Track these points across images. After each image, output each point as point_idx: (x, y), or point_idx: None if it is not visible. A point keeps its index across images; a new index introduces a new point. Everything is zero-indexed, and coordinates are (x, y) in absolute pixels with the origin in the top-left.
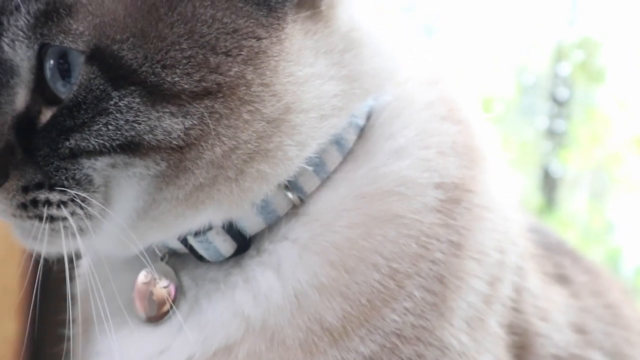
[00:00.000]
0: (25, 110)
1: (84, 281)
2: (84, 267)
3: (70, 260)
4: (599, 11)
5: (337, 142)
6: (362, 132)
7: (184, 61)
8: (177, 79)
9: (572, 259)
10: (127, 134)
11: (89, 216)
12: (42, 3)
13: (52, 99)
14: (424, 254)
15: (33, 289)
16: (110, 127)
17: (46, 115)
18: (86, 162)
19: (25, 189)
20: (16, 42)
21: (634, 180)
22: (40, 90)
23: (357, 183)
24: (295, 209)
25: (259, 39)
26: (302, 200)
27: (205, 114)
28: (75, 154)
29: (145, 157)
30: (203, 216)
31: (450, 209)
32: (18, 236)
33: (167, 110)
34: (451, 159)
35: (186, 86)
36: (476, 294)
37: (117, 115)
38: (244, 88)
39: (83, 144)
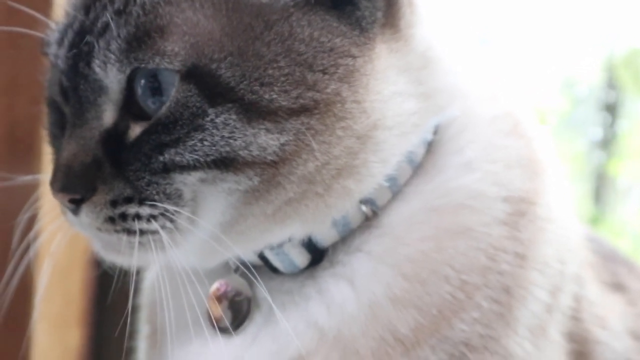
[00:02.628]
0: (113, 126)
1: (150, 293)
2: (149, 279)
3: (137, 272)
4: None
5: (409, 156)
6: (430, 147)
7: (282, 79)
8: (274, 96)
9: (627, 267)
10: (222, 149)
11: (178, 229)
12: (132, 26)
13: (139, 115)
14: (492, 265)
15: (96, 299)
16: (205, 142)
17: (135, 130)
18: (178, 177)
19: (114, 203)
20: (108, 65)
21: None
22: (128, 107)
23: (428, 196)
24: (368, 221)
25: (353, 57)
26: (375, 213)
27: (302, 130)
28: (168, 169)
29: (238, 172)
30: (287, 231)
31: (516, 221)
32: (99, 250)
33: (263, 126)
34: (517, 172)
35: (284, 103)
36: (539, 303)
37: (213, 131)
38: (339, 105)
39: (177, 158)
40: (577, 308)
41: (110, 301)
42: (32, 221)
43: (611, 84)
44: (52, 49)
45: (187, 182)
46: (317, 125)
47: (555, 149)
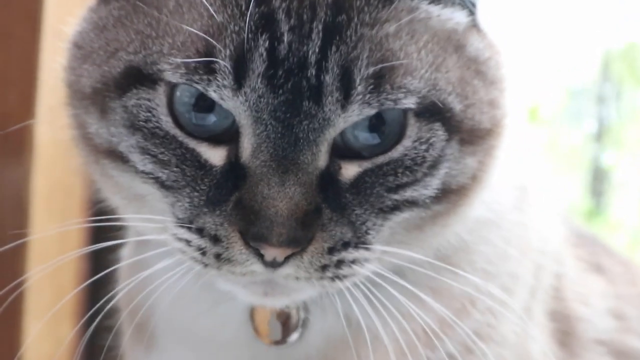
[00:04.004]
0: (326, 168)
1: (134, 295)
2: (132, 281)
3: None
4: None
5: None
6: None
7: (482, 100)
8: (481, 118)
9: (604, 250)
10: (447, 180)
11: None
12: (371, 63)
13: (345, 153)
14: (507, 252)
15: (88, 294)
16: (439, 177)
17: (349, 170)
18: (396, 217)
19: (331, 250)
20: (346, 104)
21: None
22: (335, 146)
23: None
24: None
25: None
26: None
27: (488, 150)
28: (396, 208)
29: (442, 200)
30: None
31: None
32: (252, 295)
33: (469, 150)
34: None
35: (486, 125)
36: (526, 286)
37: (446, 164)
38: (506, 123)
39: (414, 195)
40: (558, 286)
41: (103, 296)
42: (23, 215)
43: (607, 77)
44: (224, 82)
45: (399, 220)
46: (496, 143)
47: (550, 142)
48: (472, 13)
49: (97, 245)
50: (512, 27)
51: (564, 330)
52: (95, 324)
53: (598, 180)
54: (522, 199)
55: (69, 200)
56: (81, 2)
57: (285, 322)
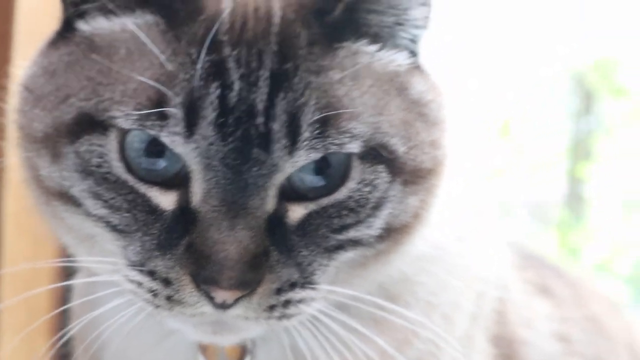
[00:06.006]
0: (274, 211)
1: (92, 327)
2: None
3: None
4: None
5: None
6: None
7: (424, 140)
8: (423, 158)
9: (554, 273)
10: (390, 220)
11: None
12: (317, 109)
13: (292, 196)
14: (448, 282)
15: (63, 309)
16: (382, 217)
17: (296, 212)
18: (341, 256)
19: (279, 291)
20: (293, 151)
21: None
22: (282, 189)
23: None
24: None
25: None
26: None
27: (429, 189)
28: (340, 248)
29: (385, 240)
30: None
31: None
32: (202, 333)
33: (411, 190)
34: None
35: (427, 165)
36: (466, 314)
37: (389, 204)
38: (446, 162)
39: (357, 235)
40: (502, 311)
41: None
42: None
43: (581, 89)
44: (175, 128)
45: (344, 259)
46: (437, 182)
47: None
48: (414, 55)
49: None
50: (481, 41)
51: (507, 354)
52: (61, 345)
53: (574, 191)
54: (464, 230)
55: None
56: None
57: (234, 356)
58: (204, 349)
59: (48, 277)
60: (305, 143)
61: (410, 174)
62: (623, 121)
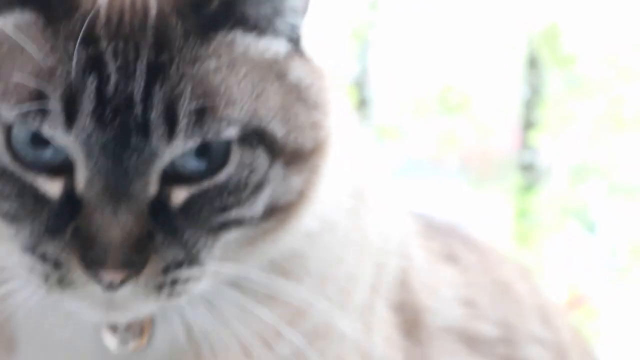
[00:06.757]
0: (157, 195)
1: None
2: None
3: None
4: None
5: None
6: None
7: (305, 123)
8: (303, 140)
9: (461, 240)
10: (273, 200)
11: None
12: (194, 97)
13: (175, 179)
14: (343, 256)
15: None
16: (264, 198)
17: (179, 195)
18: (225, 235)
19: (165, 270)
20: (171, 139)
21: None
22: (165, 174)
23: None
24: None
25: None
26: None
27: (313, 169)
28: (223, 228)
29: (270, 218)
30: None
31: (357, 211)
32: (95, 312)
33: (294, 170)
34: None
35: (308, 145)
36: (365, 285)
37: (270, 185)
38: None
39: (239, 216)
40: (404, 280)
41: None
42: None
43: (528, 57)
44: (55, 121)
45: (230, 238)
46: (321, 162)
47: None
48: (293, 41)
49: None
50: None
51: (411, 321)
52: None
53: (527, 160)
54: (358, 203)
55: None
56: None
57: (134, 331)
58: (109, 327)
59: None
60: (182, 131)
61: (291, 156)
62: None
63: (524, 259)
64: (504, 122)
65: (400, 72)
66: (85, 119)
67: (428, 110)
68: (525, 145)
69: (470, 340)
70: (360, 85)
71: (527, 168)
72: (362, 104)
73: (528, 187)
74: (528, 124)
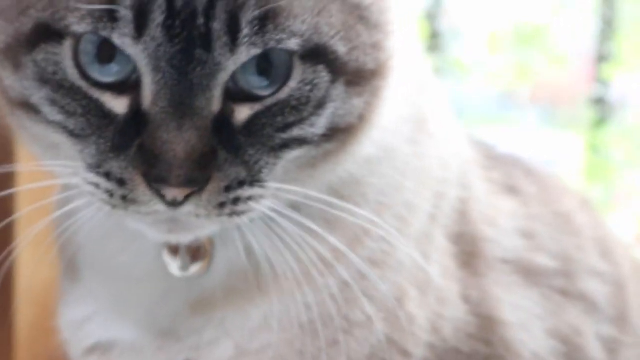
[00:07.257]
0: (221, 111)
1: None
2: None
3: None
4: None
5: None
6: None
7: (366, 42)
8: (365, 59)
9: (524, 171)
10: (334, 120)
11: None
12: (256, 7)
13: (239, 96)
14: (402, 183)
15: None
16: (326, 117)
17: (242, 113)
18: (287, 154)
19: (228, 188)
20: (234, 49)
21: None
22: (228, 89)
23: None
24: None
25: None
26: None
27: (374, 91)
28: (286, 147)
29: (332, 139)
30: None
31: (416, 139)
32: (158, 232)
33: (355, 91)
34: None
35: (370, 66)
36: (423, 214)
37: (331, 104)
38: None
39: (301, 134)
40: (464, 210)
41: None
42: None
43: None
44: (125, 30)
45: (291, 157)
46: (382, 84)
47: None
48: None
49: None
50: None
51: (469, 252)
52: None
53: (599, 94)
54: (417, 131)
55: None
56: None
57: (195, 255)
58: (169, 249)
59: None
60: (245, 40)
61: (352, 75)
62: None
63: (594, 194)
64: (577, 55)
65: (473, 5)
66: (155, 29)
67: (501, 44)
68: (598, 78)
69: (527, 272)
70: (432, 17)
71: (600, 102)
72: (434, 36)
73: (600, 122)
74: (601, 57)
